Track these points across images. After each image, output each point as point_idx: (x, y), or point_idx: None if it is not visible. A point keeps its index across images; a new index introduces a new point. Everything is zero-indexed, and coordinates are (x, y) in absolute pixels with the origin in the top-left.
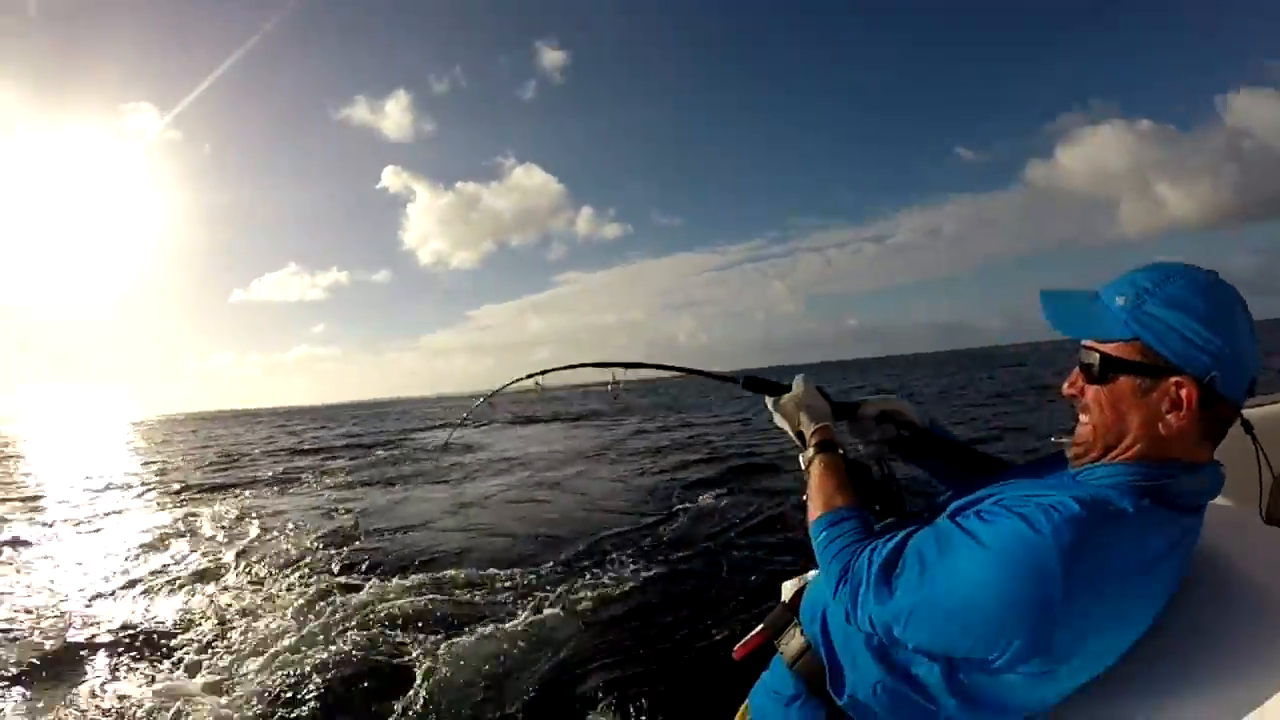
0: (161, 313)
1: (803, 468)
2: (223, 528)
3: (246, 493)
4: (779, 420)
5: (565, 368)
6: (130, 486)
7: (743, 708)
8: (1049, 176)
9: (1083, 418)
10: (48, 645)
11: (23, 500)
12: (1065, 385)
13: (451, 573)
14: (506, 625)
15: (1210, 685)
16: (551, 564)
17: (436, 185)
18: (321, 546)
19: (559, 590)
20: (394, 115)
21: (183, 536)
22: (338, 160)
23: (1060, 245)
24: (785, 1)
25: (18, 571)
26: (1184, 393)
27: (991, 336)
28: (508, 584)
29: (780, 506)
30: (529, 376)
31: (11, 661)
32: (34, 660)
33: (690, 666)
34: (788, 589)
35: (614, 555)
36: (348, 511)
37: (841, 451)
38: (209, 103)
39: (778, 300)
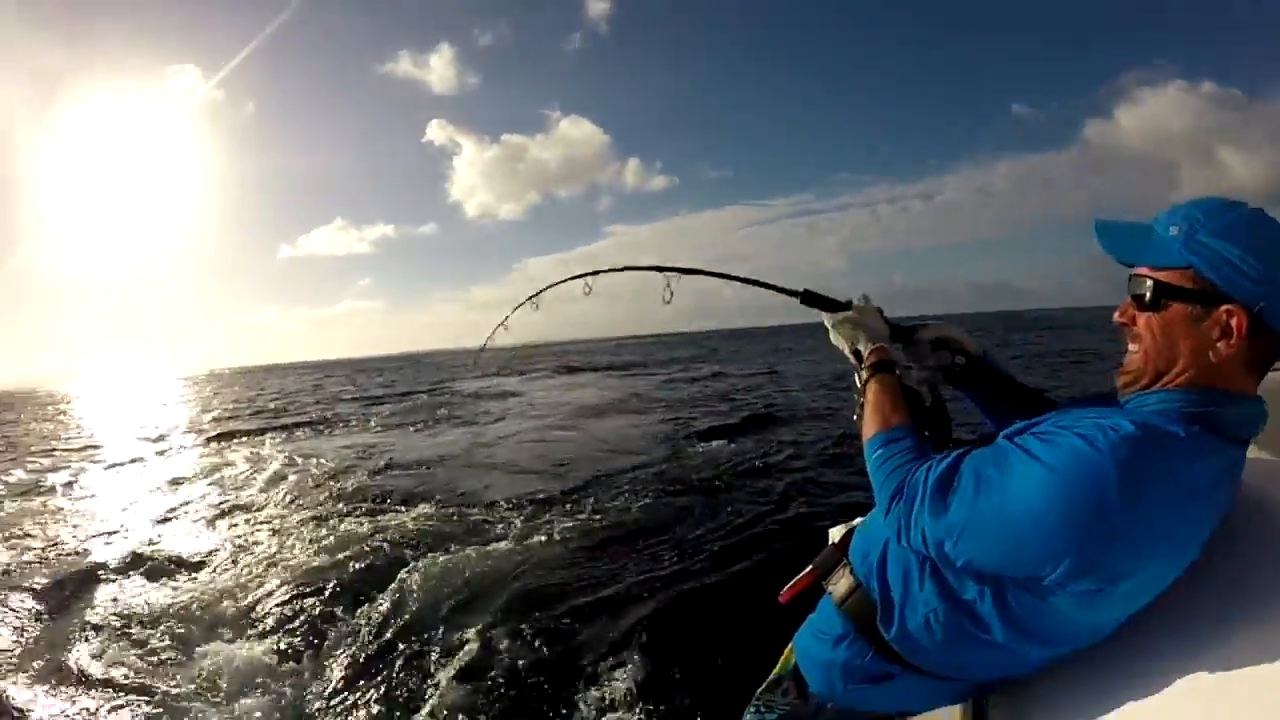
0: (209, 271)
1: (858, 386)
2: (262, 466)
3: (297, 432)
4: (835, 338)
5: (617, 269)
6: (186, 432)
7: (787, 650)
8: (1107, 136)
9: (1132, 346)
10: (102, 561)
11: (81, 449)
12: (1116, 313)
13: (460, 503)
14: (500, 546)
15: (1251, 625)
16: (556, 495)
17: (482, 138)
18: (354, 479)
19: (553, 520)
20: (438, 69)
21: (229, 471)
22: (383, 115)
23: (1115, 209)
24: None
25: (85, 503)
26: (1234, 321)
27: (1034, 299)
28: (509, 512)
29: (781, 453)
30: (578, 276)
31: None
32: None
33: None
34: (835, 533)
35: (606, 490)
36: (373, 451)
37: (898, 373)
38: (251, 63)
39: (823, 255)
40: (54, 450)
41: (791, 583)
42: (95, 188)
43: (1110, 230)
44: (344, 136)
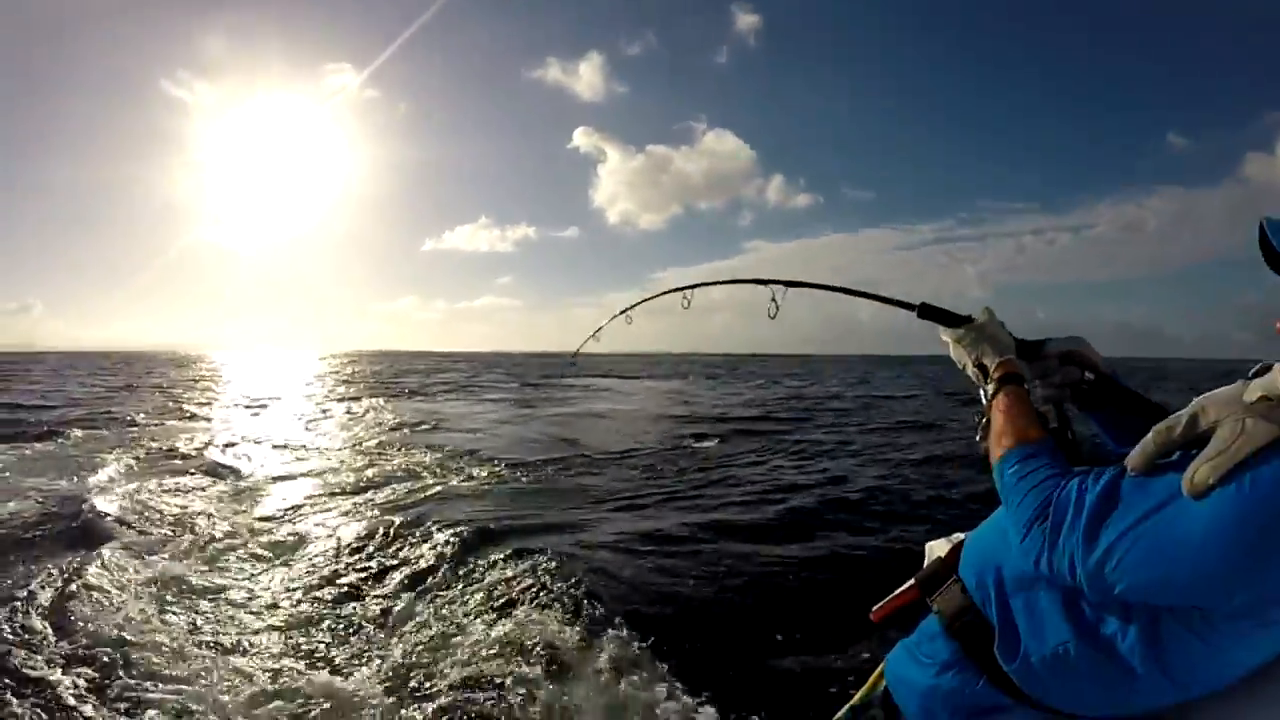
0: (356, 257)
1: (984, 402)
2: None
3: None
4: (955, 353)
5: (719, 283)
6: (326, 398)
7: (876, 673)
8: (1267, 172)
9: None
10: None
11: (249, 404)
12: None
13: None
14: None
15: None
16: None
17: (627, 147)
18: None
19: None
20: (586, 76)
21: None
22: (530, 119)
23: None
24: None
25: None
26: None
27: (1180, 348)
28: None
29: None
30: (677, 290)
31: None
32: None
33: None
34: (938, 547)
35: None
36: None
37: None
38: (404, 62)
39: (966, 285)
40: (211, 401)
41: (886, 600)
42: (257, 175)
43: None
44: (491, 138)
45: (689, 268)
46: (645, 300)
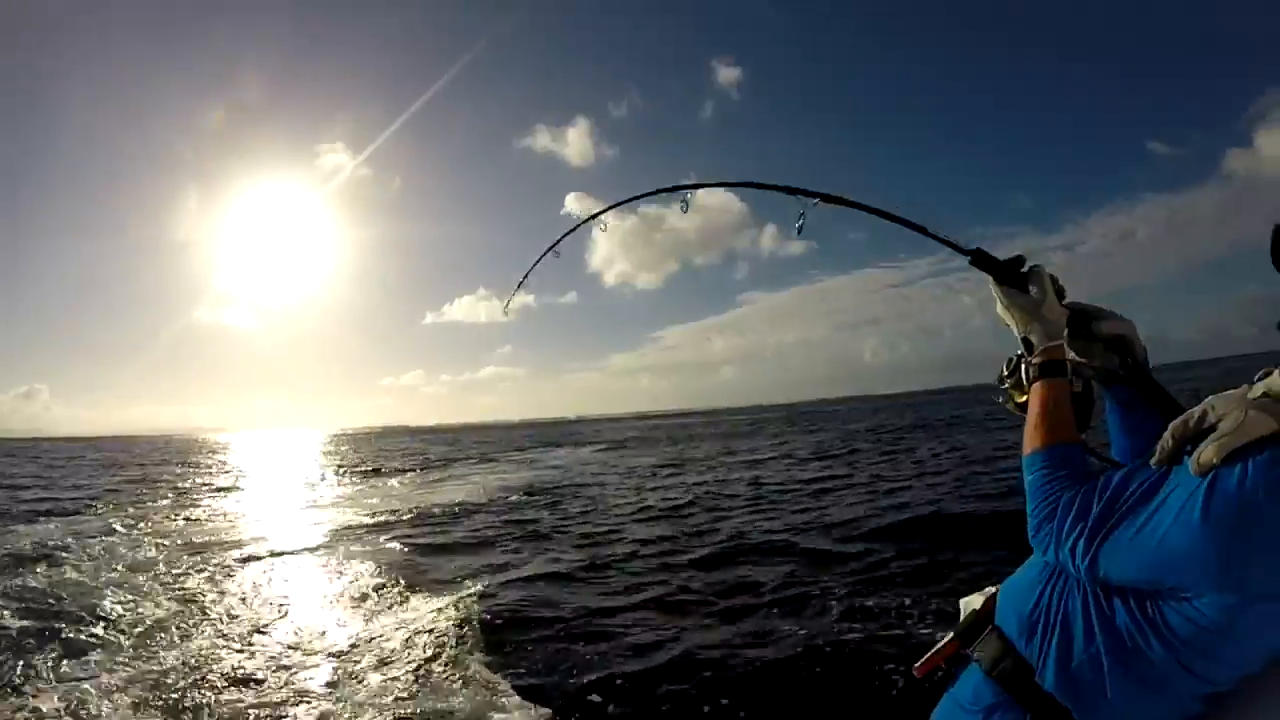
0: (359, 334)
1: (1023, 376)
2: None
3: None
4: (1003, 312)
5: (731, 184)
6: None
7: None
8: (1249, 166)
9: None
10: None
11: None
12: None
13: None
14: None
15: None
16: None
17: (620, 210)
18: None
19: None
20: (574, 142)
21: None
22: (522, 188)
23: (1263, 243)
24: (960, 6)
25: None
26: None
27: (1186, 351)
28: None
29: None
30: (674, 188)
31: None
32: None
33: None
34: (974, 601)
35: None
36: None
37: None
38: (395, 142)
39: (966, 314)
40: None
41: (928, 655)
42: (261, 256)
43: None
44: (485, 208)
45: (688, 324)
46: (631, 199)
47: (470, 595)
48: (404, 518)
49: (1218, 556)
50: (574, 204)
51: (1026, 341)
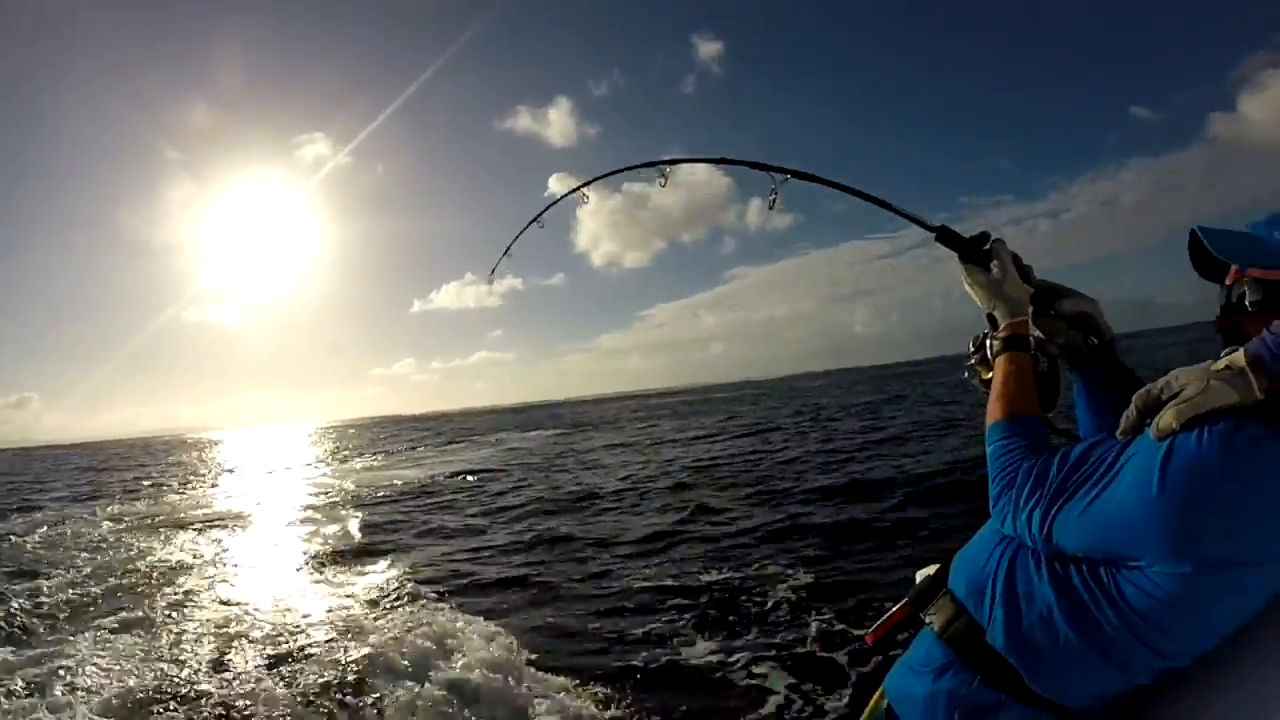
0: (347, 326)
1: (988, 351)
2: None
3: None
4: (969, 288)
5: (702, 160)
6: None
7: (876, 696)
8: (1233, 130)
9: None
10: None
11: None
12: (1217, 319)
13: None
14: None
15: None
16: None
17: (604, 188)
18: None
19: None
20: (557, 122)
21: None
22: (506, 170)
23: (1250, 204)
24: None
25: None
26: None
27: (1177, 315)
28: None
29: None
30: (653, 164)
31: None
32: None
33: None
34: (926, 572)
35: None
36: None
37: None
38: (379, 132)
39: (952, 284)
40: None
41: (880, 621)
42: (247, 251)
43: (1215, 234)
44: (469, 193)
45: (676, 301)
46: (609, 174)
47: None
48: (340, 499)
49: (1172, 522)
50: (557, 184)
51: (990, 318)
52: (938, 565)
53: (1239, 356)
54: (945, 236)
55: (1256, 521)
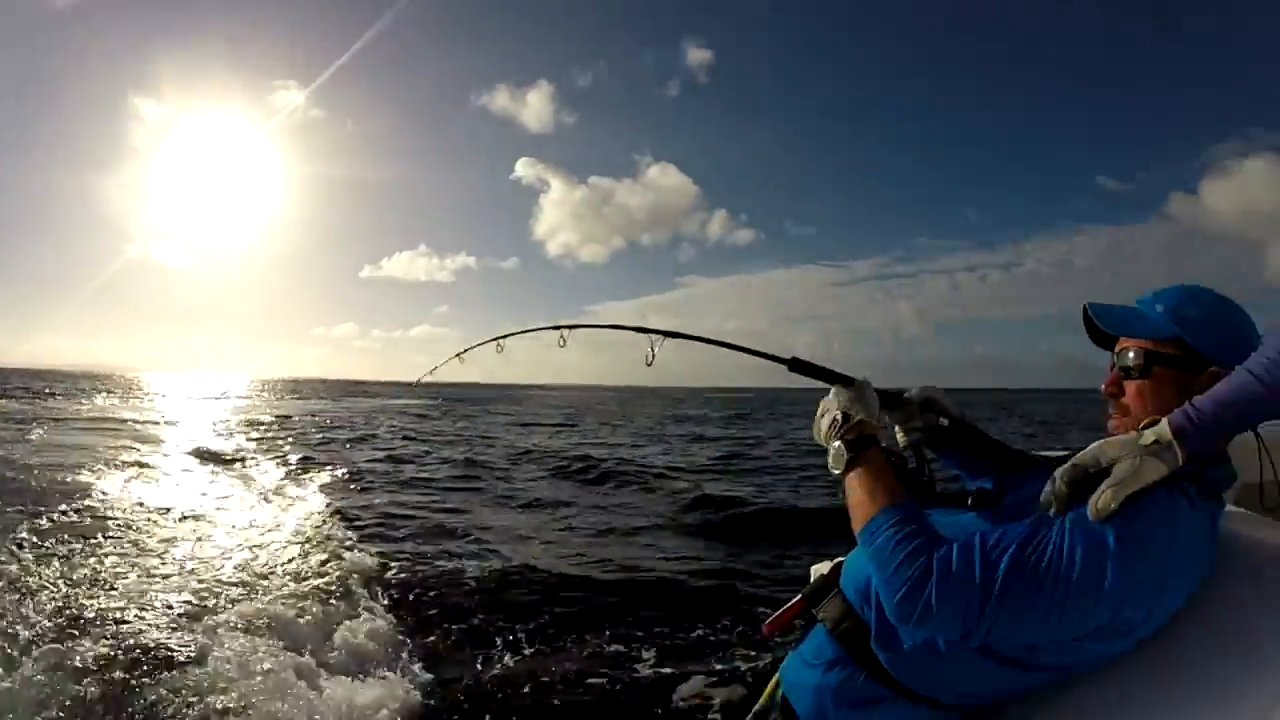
0: (296, 281)
1: (843, 454)
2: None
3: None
4: (826, 402)
5: (596, 326)
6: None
7: (772, 683)
8: (1191, 212)
9: (1114, 414)
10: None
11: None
12: (1104, 385)
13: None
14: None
15: (1220, 661)
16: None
17: (571, 178)
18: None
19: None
20: (535, 105)
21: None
22: (476, 147)
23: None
24: (930, 19)
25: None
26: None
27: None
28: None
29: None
30: (556, 327)
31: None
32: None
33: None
34: (822, 568)
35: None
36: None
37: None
38: (352, 81)
39: (903, 321)
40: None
41: (777, 613)
42: (201, 192)
43: (1103, 310)
44: (436, 164)
45: (625, 302)
46: (520, 333)
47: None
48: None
49: (1124, 599)
50: (524, 169)
51: (846, 417)
52: (832, 564)
53: (1165, 430)
54: (799, 365)
55: (1176, 582)
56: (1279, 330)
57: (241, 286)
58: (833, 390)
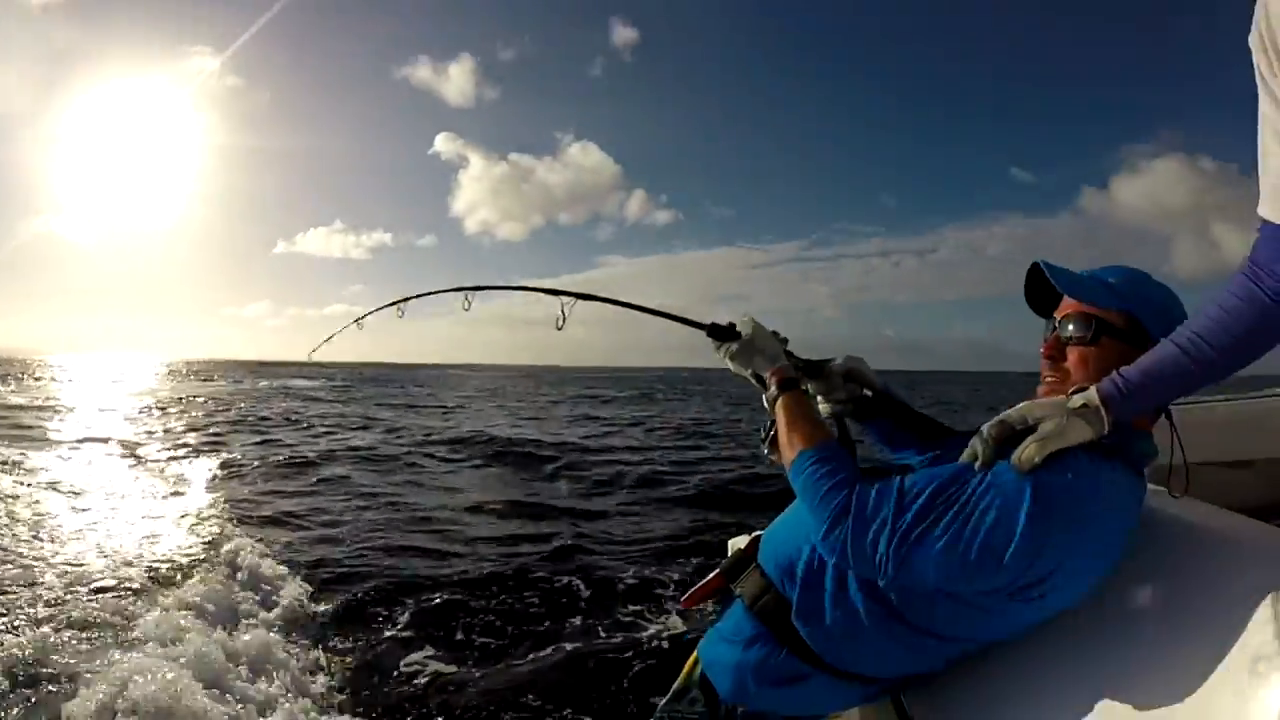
0: (205, 257)
1: (767, 408)
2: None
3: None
4: (734, 367)
5: (505, 287)
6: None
7: (690, 661)
8: (1102, 206)
9: (1051, 377)
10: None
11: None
12: (1044, 346)
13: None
14: None
15: (1139, 633)
16: None
17: (490, 154)
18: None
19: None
20: (457, 79)
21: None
22: (397, 120)
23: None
24: (854, 9)
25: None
26: None
27: (1020, 362)
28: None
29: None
30: (461, 289)
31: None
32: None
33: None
34: (739, 542)
35: None
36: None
37: (805, 389)
38: (271, 47)
39: (819, 304)
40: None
41: (694, 588)
42: (105, 165)
43: (1060, 271)
44: (355, 137)
45: (545, 280)
46: (422, 295)
47: None
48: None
49: (1035, 554)
50: (443, 144)
51: (757, 378)
52: (748, 538)
53: (1093, 395)
54: (715, 331)
55: (1094, 545)
56: (1203, 307)
57: (151, 263)
58: (724, 353)
